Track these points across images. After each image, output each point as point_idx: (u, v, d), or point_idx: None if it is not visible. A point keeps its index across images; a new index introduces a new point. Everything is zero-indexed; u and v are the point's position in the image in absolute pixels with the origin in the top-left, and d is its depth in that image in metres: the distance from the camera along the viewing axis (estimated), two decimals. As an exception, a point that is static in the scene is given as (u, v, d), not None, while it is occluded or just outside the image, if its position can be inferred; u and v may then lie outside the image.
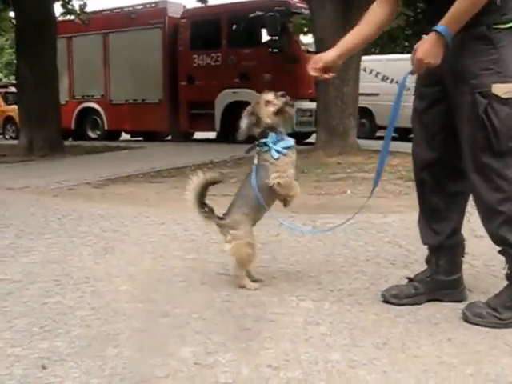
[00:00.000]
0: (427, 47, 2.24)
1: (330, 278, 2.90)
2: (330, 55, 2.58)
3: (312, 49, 11.35)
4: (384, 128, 14.90)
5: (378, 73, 14.52)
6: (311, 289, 2.73)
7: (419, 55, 2.25)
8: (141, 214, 4.57)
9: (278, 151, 2.72)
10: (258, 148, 2.78)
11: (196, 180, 2.74)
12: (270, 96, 2.76)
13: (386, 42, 20.60)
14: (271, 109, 2.75)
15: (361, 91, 9.28)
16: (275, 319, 2.37)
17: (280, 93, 2.78)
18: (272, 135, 2.74)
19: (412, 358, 2.02)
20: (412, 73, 2.39)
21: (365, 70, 12.28)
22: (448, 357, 2.03)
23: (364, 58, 14.12)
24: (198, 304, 2.56)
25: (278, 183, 2.72)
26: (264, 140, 2.75)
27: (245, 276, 2.77)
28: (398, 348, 2.10)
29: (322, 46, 9.10)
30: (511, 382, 1.86)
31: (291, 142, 2.79)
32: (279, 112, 2.77)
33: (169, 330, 2.27)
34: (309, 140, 12.91)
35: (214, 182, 2.78)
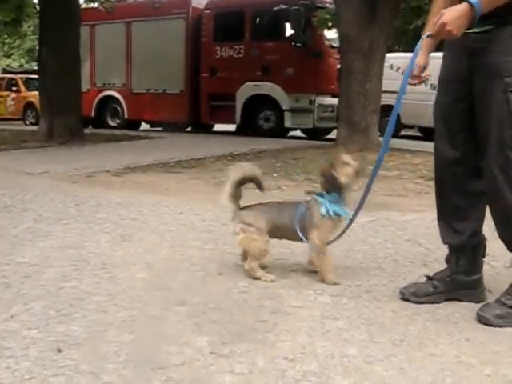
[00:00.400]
0: (455, 14, 2.16)
1: (348, 273, 2.88)
2: (422, 59, 2.54)
3: (336, 44, 11.31)
4: (409, 127, 14.78)
5: (403, 71, 14.25)
6: (329, 284, 2.72)
7: (445, 19, 2.16)
8: (160, 203, 4.57)
9: (327, 211, 2.71)
10: (315, 195, 2.80)
11: (235, 173, 2.77)
12: (347, 158, 2.76)
13: (411, 39, 20.39)
14: (348, 169, 2.73)
15: (386, 89, 9.16)
16: (292, 312, 2.36)
17: (360, 153, 2.79)
18: (334, 195, 2.73)
19: (429, 356, 2.00)
20: (430, 36, 2.34)
21: (392, 67, 12.13)
22: (466, 356, 2.00)
23: (390, 55, 13.98)
24: (215, 294, 2.55)
25: (315, 243, 2.74)
26: (323, 193, 2.76)
27: (258, 268, 2.76)
28: (416, 345, 2.08)
29: (346, 41, 9.06)
30: (530, 385, 1.83)
31: (345, 213, 2.76)
32: (356, 173, 2.75)
33: (185, 319, 2.27)
34: (329, 136, 12.90)
35: (252, 179, 2.80)
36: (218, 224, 3.77)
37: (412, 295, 2.53)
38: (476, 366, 1.94)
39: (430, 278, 2.60)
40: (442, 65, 2.54)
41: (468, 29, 2.21)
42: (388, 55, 14.64)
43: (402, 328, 2.24)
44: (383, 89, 9.10)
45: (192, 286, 2.65)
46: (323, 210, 2.72)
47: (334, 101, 10.92)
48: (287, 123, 12.44)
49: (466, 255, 2.56)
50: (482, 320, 2.31)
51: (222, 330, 2.16)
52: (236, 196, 2.79)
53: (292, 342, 2.07)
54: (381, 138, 9.41)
